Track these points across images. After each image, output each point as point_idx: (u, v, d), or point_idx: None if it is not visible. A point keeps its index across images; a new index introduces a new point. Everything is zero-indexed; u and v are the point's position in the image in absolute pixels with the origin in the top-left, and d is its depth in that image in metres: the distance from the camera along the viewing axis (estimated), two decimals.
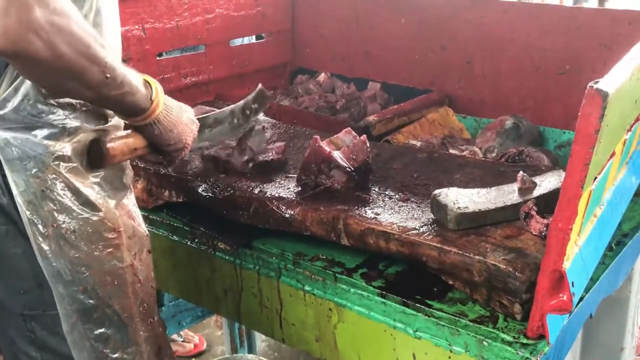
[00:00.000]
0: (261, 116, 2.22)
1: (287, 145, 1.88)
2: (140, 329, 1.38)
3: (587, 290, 1.41)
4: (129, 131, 1.33)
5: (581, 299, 1.38)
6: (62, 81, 1.13)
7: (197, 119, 1.48)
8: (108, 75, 1.15)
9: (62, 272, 1.26)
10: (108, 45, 1.18)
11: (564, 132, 2.18)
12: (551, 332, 1.21)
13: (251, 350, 2.91)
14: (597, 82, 1.02)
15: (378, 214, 1.53)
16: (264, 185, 1.70)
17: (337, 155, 1.65)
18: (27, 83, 1.18)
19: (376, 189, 1.67)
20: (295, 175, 1.70)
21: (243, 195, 1.67)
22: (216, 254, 1.73)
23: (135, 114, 1.28)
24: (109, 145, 1.27)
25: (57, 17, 1.04)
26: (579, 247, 1.22)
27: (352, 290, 1.48)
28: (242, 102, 1.74)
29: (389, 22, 2.58)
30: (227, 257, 1.70)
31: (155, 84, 1.29)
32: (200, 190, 1.74)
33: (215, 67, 2.58)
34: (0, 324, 1.38)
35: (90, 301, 1.30)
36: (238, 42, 2.85)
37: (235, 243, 1.68)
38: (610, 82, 1.05)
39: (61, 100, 1.21)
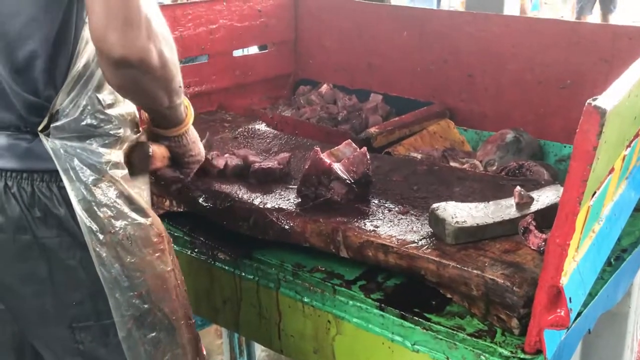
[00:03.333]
0: (263, 126, 2.25)
1: (290, 157, 1.89)
2: (184, 331, 1.42)
3: (585, 305, 1.41)
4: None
5: (579, 314, 1.38)
6: (155, 89, 1.22)
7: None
8: (180, 85, 1.27)
9: (119, 277, 1.29)
10: None
11: (565, 146, 2.19)
12: (548, 347, 1.21)
13: (251, 359, 2.90)
14: (595, 99, 1.03)
15: (377, 227, 1.54)
16: (264, 196, 1.71)
17: (337, 167, 1.65)
18: (87, 94, 1.22)
19: (376, 201, 1.67)
20: (296, 187, 1.70)
21: (243, 206, 1.68)
22: (216, 264, 1.73)
23: (178, 124, 1.39)
24: (151, 148, 1.36)
25: (162, 28, 1.15)
26: (577, 262, 1.23)
27: (351, 302, 1.48)
28: None
29: (391, 35, 2.59)
30: (226, 268, 1.71)
31: (183, 97, 1.37)
32: (200, 200, 1.74)
33: (218, 78, 2.59)
34: (44, 338, 1.38)
35: (145, 305, 1.33)
36: (241, 52, 2.86)
37: (235, 253, 1.69)
38: (608, 99, 1.05)
39: (114, 110, 1.26)
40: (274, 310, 1.63)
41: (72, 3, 1.18)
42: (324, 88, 2.70)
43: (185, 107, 1.40)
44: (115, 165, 1.27)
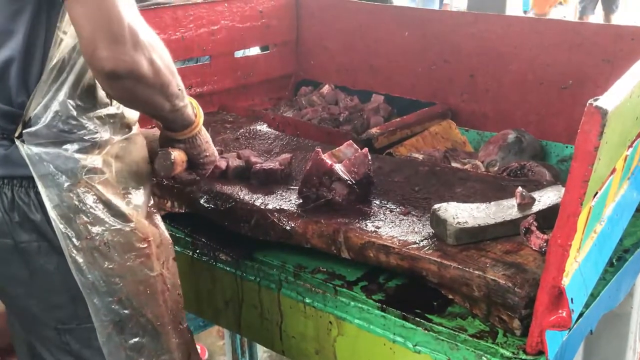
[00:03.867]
0: (265, 127, 2.25)
1: (291, 158, 1.89)
2: (172, 336, 1.41)
3: (587, 306, 1.40)
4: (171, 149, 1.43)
5: (581, 315, 1.37)
6: (152, 96, 1.23)
7: None
8: (180, 88, 1.28)
9: (97, 283, 1.29)
10: None
11: (567, 147, 2.18)
12: (550, 348, 1.21)
13: None
14: (596, 100, 1.03)
15: (379, 228, 1.54)
16: (266, 197, 1.71)
17: (339, 168, 1.65)
18: (58, 100, 1.22)
19: (377, 202, 1.67)
20: (297, 188, 1.70)
21: (244, 207, 1.68)
22: (217, 265, 1.73)
23: (188, 126, 1.40)
24: (173, 155, 1.40)
25: (149, 36, 1.16)
26: (579, 263, 1.22)
27: (352, 303, 1.48)
28: None
29: (393, 35, 2.59)
30: (228, 269, 1.71)
31: (190, 98, 1.39)
32: (202, 201, 1.74)
33: (219, 78, 2.59)
34: (35, 336, 1.39)
35: (125, 311, 1.33)
36: (242, 53, 2.86)
37: (237, 254, 1.69)
38: (610, 99, 1.05)
39: (91, 114, 1.26)
40: (275, 311, 1.63)
41: (40, 10, 1.18)
42: (326, 89, 2.70)
43: (194, 108, 1.41)
44: (92, 171, 1.27)
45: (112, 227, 1.29)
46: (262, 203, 1.68)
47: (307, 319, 1.56)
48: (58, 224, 1.25)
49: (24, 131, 1.23)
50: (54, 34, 1.20)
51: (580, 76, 2.17)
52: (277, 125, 2.31)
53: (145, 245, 1.34)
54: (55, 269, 1.29)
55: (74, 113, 1.24)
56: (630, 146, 1.38)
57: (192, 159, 1.47)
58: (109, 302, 1.30)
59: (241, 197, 1.71)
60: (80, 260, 1.27)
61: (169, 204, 1.82)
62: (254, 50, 3.01)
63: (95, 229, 1.27)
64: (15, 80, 1.21)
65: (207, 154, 1.49)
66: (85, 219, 1.26)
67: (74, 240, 1.26)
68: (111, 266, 1.29)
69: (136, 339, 1.35)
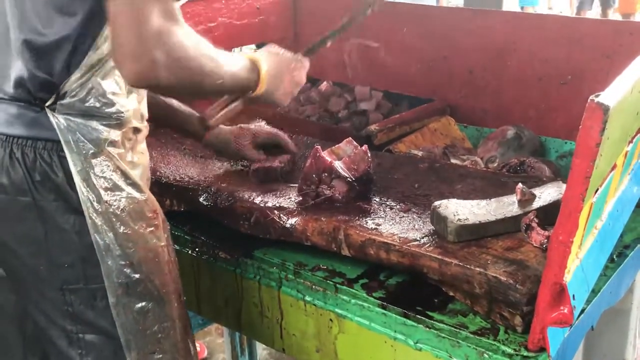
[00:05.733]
0: (263, 124, 2.23)
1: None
2: (174, 306, 1.47)
3: (588, 302, 1.40)
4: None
5: (582, 311, 1.37)
6: (184, 91, 1.41)
7: (307, 50, 1.78)
8: (220, 81, 1.34)
9: (112, 246, 1.36)
10: (217, 51, 1.34)
11: (566, 142, 2.18)
12: (552, 344, 1.21)
13: (252, 358, 2.90)
14: (598, 96, 1.02)
15: (379, 225, 1.53)
16: (265, 195, 1.70)
17: (338, 165, 1.65)
18: (96, 79, 1.31)
19: (377, 199, 1.67)
20: (297, 185, 1.70)
21: (244, 204, 1.67)
22: (217, 264, 1.73)
23: (247, 92, 1.53)
24: (211, 122, 1.67)
25: (177, 52, 1.20)
26: (580, 259, 1.22)
27: (353, 301, 1.48)
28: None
29: (391, 32, 2.58)
30: (227, 267, 1.70)
31: (259, 62, 1.50)
32: (201, 199, 1.74)
33: None
34: (33, 298, 1.43)
35: (135, 275, 1.39)
36: (240, 50, 2.85)
37: (236, 252, 1.68)
38: (611, 95, 1.05)
39: (120, 97, 1.35)
40: (275, 309, 1.62)
41: (99, 1, 1.23)
42: (324, 85, 2.68)
43: (258, 75, 1.49)
44: (113, 144, 1.36)
45: (129, 195, 1.37)
46: (261, 201, 1.67)
47: (308, 317, 1.56)
48: (81, 187, 1.33)
49: (58, 102, 1.31)
50: (105, 25, 1.27)
51: (579, 72, 2.17)
52: (275, 123, 2.30)
53: (155, 215, 1.42)
54: (71, 228, 1.35)
55: (107, 93, 1.33)
56: (631, 142, 1.37)
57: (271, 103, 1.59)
58: (122, 266, 1.37)
59: (241, 195, 1.71)
60: (99, 222, 1.34)
61: (168, 202, 1.81)
62: (252, 48, 2.99)
63: (114, 195, 1.35)
64: (62, 56, 1.29)
65: (279, 99, 1.59)
66: (106, 184, 1.35)
67: (95, 203, 1.34)
68: (126, 231, 1.37)
69: (143, 303, 1.41)
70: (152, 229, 1.41)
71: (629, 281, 1.73)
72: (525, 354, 1.25)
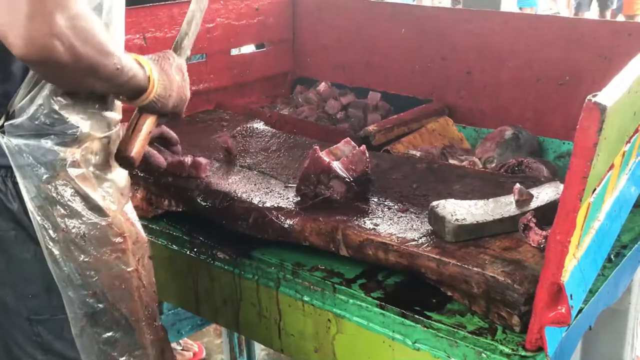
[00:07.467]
0: (261, 125, 2.24)
1: (278, 152, 1.89)
2: (146, 333, 1.41)
3: (586, 302, 1.40)
4: (137, 114, 1.40)
5: (580, 311, 1.37)
6: (80, 79, 1.20)
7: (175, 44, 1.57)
8: (119, 67, 1.22)
9: (72, 276, 1.29)
10: (115, 37, 1.25)
11: (564, 143, 2.18)
12: (550, 344, 1.21)
13: (250, 358, 2.90)
14: (595, 95, 1.02)
15: (377, 225, 1.53)
16: (263, 195, 1.71)
17: (337, 165, 1.65)
18: (43, 94, 1.22)
19: (375, 200, 1.67)
20: (295, 185, 1.70)
21: (242, 205, 1.67)
22: (215, 264, 1.73)
23: (140, 95, 1.34)
24: (132, 154, 1.35)
25: (77, 22, 1.10)
26: (578, 259, 1.22)
27: (351, 301, 1.48)
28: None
29: (390, 32, 2.59)
30: (226, 267, 1.70)
31: (146, 62, 1.34)
32: (199, 199, 1.74)
33: (215, 76, 2.58)
34: (5, 327, 1.38)
35: (99, 305, 1.32)
36: (238, 51, 2.85)
37: (234, 253, 1.68)
38: (608, 95, 1.05)
39: (73, 110, 1.25)
40: (274, 309, 1.62)
41: None
42: (322, 86, 2.69)
43: (148, 75, 1.33)
44: (71, 164, 1.26)
45: (89, 221, 1.28)
46: (260, 201, 1.67)
47: (306, 317, 1.56)
48: (35, 216, 1.25)
49: (6, 123, 1.23)
50: None
51: (577, 72, 2.17)
52: (274, 123, 2.31)
53: (121, 240, 1.33)
54: (32, 258, 1.29)
55: (56, 107, 1.23)
56: (628, 142, 1.38)
57: (162, 115, 1.43)
58: (84, 296, 1.30)
59: (239, 195, 1.71)
60: (56, 252, 1.27)
61: (166, 202, 1.81)
62: (250, 48, 3.00)
63: (72, 222, 1.27)
64: (2, 74, 1.22)
65: (175, 104, 1.41)
66: (63, 211, 1.26)
67: (51, 232, 1.26)
68: (87, 259, 1.29)
69: (110, 333, 1.35)
70: (117, 254, 1.33)
71: (626, 281, 1.73)
72: (523, 353, 1.25)
